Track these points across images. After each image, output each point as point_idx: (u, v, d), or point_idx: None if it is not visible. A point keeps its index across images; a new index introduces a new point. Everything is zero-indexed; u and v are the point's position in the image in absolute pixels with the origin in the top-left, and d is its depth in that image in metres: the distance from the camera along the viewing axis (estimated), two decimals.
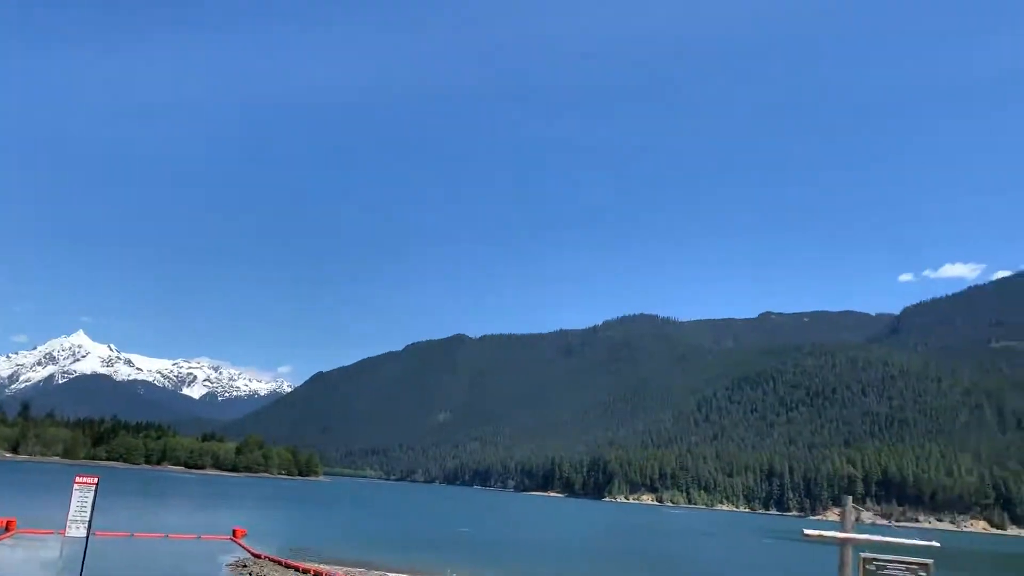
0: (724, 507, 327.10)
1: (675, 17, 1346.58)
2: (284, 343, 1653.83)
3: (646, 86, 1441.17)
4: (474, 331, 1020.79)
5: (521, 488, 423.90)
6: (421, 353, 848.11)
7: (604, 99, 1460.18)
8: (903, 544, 23.22)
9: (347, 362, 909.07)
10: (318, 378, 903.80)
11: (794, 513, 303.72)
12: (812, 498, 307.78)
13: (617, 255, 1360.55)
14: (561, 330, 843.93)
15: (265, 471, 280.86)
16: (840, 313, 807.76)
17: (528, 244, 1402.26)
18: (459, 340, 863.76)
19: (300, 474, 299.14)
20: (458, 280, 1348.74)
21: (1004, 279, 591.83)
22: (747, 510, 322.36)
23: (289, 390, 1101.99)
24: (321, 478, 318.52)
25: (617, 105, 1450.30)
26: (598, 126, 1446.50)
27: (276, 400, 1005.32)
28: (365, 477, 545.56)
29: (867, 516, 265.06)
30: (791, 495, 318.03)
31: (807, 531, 25.46)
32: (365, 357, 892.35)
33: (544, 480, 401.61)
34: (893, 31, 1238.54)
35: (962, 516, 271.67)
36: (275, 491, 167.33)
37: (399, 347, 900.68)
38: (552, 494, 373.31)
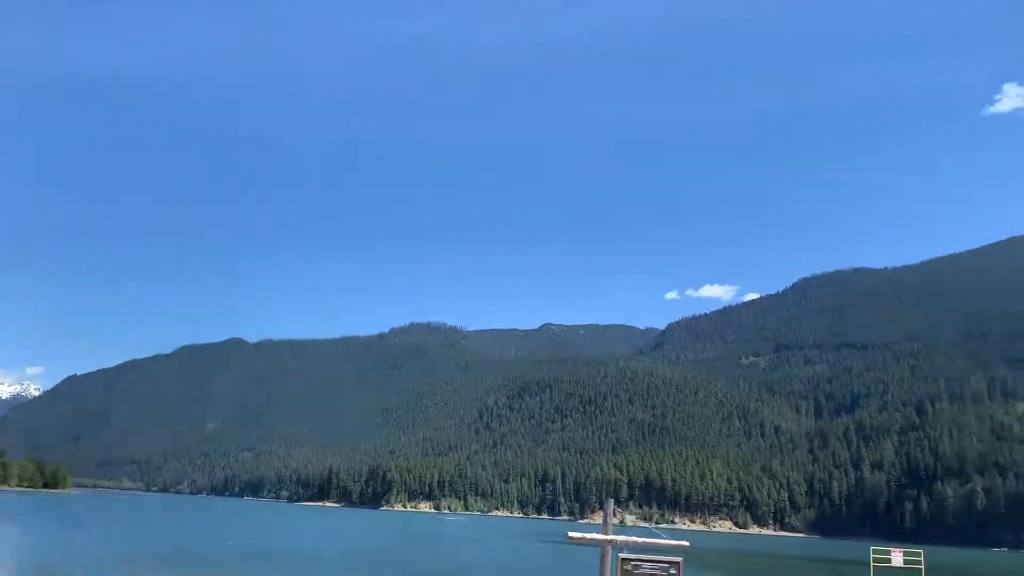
0: (499, 513, 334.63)
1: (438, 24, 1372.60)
2: (34, 341, 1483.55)
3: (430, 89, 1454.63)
4: (252, 335, 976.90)
5: (295, 499, 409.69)
6: (192, 357, 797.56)
7: (400, 101, 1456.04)
8: (658, 544, 23.76)
9: (108, 364, 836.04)
10: (71, 381, 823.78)
11: (565, 517, 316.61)
12: (581, 502, 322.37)
13: (409, 263, 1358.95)
14: (346, 336, 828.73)
15: (3, 484, 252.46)
16: (613, 326, 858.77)
17: (313, 247, 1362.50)
18: (235, 344, 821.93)
19: (46, 486, 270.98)
20: (236, 281, 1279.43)
21: (752, 301, 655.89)
22: (521, 515, 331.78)
23: (37, 393, 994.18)
24: (70, 491, 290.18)
25: (396, 109, 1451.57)
26: (381, 128, 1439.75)
27: (19, 405, 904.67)
28: (123, 490, 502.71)
29: (630, 519, 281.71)
30: (562, 500, 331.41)
31: (571, 534, 25.41)
32: (128, 359, 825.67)
33: (320, 490, 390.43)
34: (657, 72, 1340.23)
35: (712, 517, 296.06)
36: (15, 506, 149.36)
37: (169, 350, 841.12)
38: (328, 504, 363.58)
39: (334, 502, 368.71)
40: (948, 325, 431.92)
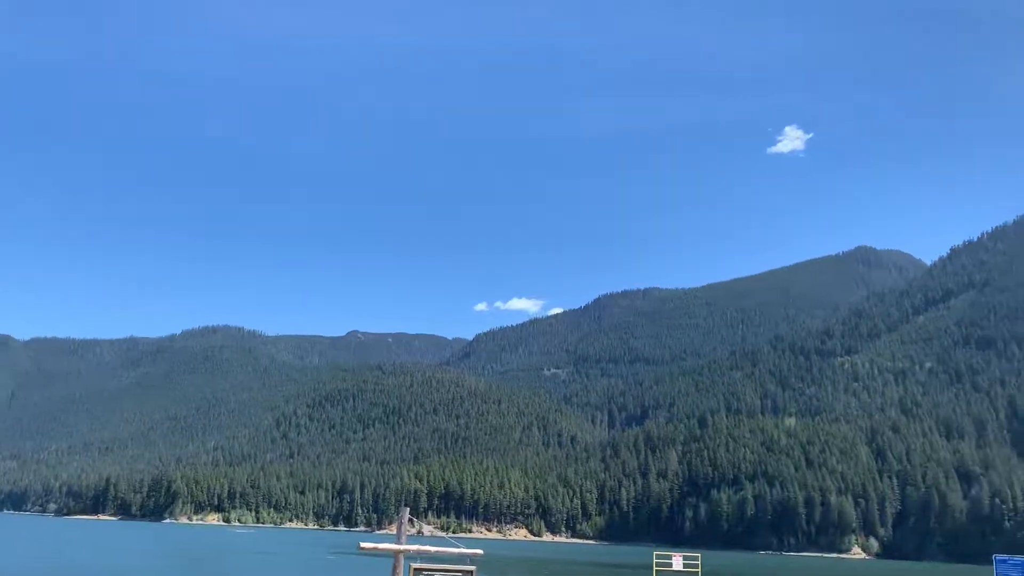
0: (293, 525, 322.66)
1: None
2: None
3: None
4: (22, 333, 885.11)
5: (65, 511, 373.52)
6: None
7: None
8: (451, 553, 23.13)
9: None
10: None
11: (362, 528, 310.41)
12: (380, 513, 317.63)
13: (206, 263, 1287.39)
14: (131, 337, 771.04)
15: None
16: (421, 336, 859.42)
17: (99, 238, 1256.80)
18: (2, 342, 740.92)
19: None
20: (4, 273, 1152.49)
21: (557, 315, 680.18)
22: (316, 527, 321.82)
23: None
24: None
25: (202, 106, 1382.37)
26: (182, 121, 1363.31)
27: None
28: None
29: (428, 528, 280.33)
30: (360, 511, 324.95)
31: (362, 544, 24.27)
32: None
33: (95, 502, 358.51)
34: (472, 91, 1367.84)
35: (508, 525, 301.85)
36: None
37: None
38: (103, 517, 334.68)
39: (110, 515, 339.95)
40: (727, 344, 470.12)
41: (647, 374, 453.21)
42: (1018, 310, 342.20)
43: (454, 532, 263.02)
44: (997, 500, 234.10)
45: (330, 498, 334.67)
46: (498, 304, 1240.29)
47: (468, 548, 23.32)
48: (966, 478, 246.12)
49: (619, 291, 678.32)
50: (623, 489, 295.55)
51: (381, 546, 23.43)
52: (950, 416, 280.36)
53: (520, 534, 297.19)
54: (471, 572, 21.49)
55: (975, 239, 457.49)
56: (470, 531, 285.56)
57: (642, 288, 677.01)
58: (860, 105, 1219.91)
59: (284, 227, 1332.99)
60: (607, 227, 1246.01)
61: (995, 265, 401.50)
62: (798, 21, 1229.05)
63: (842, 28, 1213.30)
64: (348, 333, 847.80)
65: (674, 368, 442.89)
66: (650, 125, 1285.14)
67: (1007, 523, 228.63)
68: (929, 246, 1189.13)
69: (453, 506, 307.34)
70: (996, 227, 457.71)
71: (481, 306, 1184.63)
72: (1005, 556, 36.56)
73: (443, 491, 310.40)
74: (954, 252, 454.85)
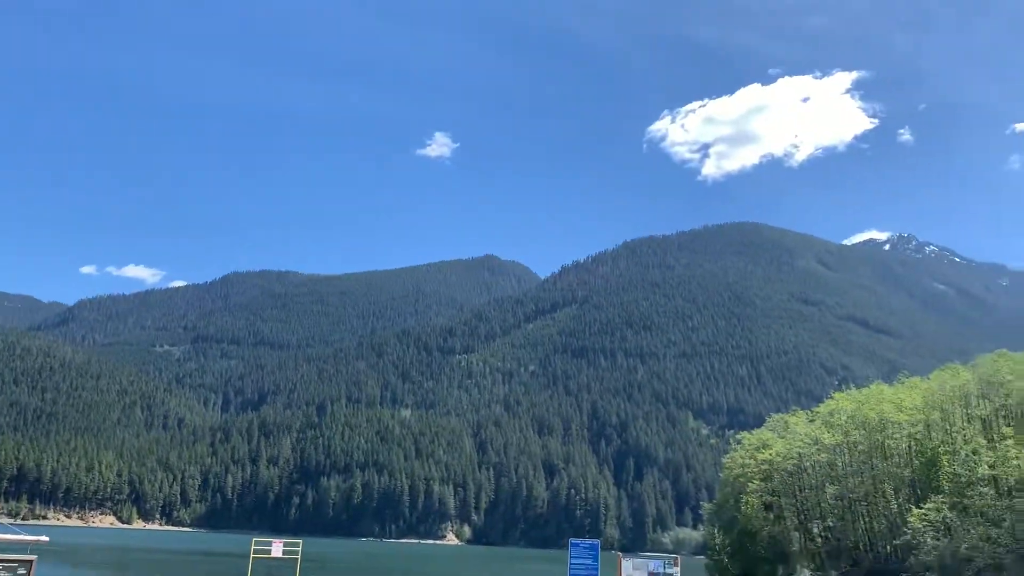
0: None
1: None
2: None
3: None
4: None
5: None
6: None
7: None
8: (7, 540, 19.20)
9: None
10: None
11: None
12: None
13: None
14: None
15: None
16: (12, 296, 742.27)
17: None
18: None
19: None
20: None
21: (178, 288, 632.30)
22: None
23: None
24: None
25: None
26: None
27: None
28: None
29: None
30: None
31: None
32: None
33: None
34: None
35: (94, 512, 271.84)
36: None
37: None
38: None
39: None
40: (356, 334, 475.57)
41: (270, 358, 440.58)
42: (609, 326, 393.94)
43: (24, 519, 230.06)
44: (573, 491, 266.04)
45: None
46: (110, 269, 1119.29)
47: (34, 535, 19.25)
48: (551, 471, 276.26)
49: (254, 270, 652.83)
50: (229, 475, 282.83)
51: None
52: (544, 415, 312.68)
53: (106, 521, 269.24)
54: (30, 562, 17.60)
55: (582, 260, 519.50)
56: (45, 517, 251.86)
57: (278, 270, 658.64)
58: (505, 125, 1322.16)
59: None
60: (247, 205, 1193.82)
61: (595, 285, 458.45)
62: (466, 35, 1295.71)
63: (503, 49, 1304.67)
64: None
65: (299, 354, 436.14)
66: (304, 110, 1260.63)
67: (578, 511, 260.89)
68: (545, 262, 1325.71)
69: (27, 490, 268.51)
70: (601, 252, 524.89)
71: (88, 269, 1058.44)
72: (578, 540, 39.86)
73: (15, 472, 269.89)
74: (564, 270, 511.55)
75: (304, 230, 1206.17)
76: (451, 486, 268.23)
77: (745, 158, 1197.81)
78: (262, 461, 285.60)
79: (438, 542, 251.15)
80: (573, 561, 37.21)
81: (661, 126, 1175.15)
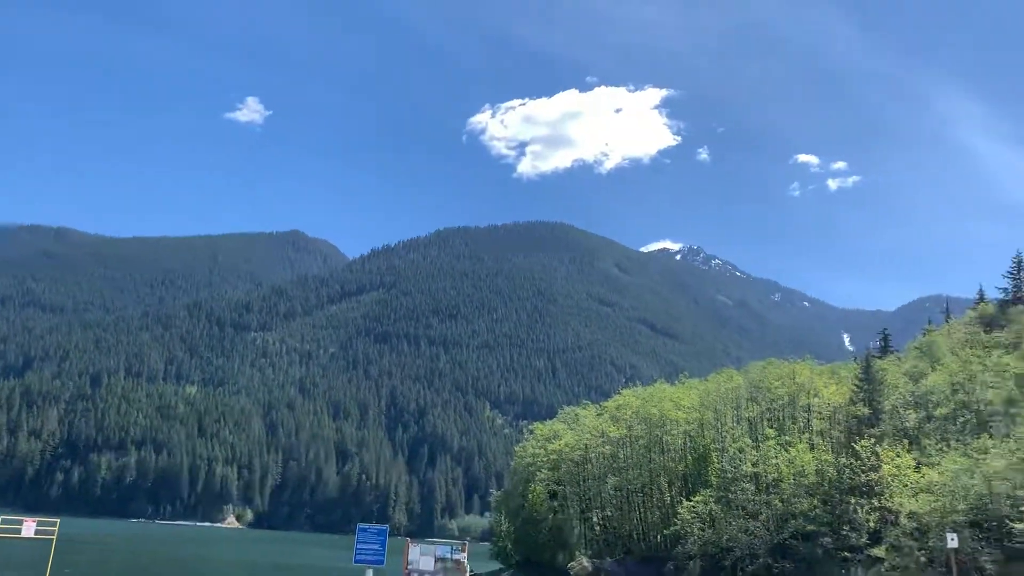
0: None
1: None
2: None
3: None
4: None
5: None
6: None
7: None
8: None
9: None
10: None
11: None
12: None
13: None
14: None
15: None
16: None
17: None
18: None
19: None
20: None
21: None
22: None
23: None
24: None
25: None
26: None
27: None
28: None
29: None
30: None
31: None
32: None
33: None
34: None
35: None
36: None
37: None
38: None
39: None
40: (142, 302, 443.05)
41: (40, 321, 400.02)
42: (414, 312, 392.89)
43: None
44: (364, 476, 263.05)
45: None
46: None
47: None
48: (343, 456, 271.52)
49: (25, 224, 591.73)
50: None
51: None
52: (341, 399, 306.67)
53: None
54: None
55: (393, 245, 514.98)
56: None
57: (55, 226, 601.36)
58: (324, 100, 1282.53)
59: None
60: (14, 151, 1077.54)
61: (404, 271, 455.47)
62: (293, 2, 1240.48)
63: (331, 24, 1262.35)
64: None
65: (74, 319, 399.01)
66: (102, 57, 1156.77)
67: (368, 497, 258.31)
68: (354, 243, 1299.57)
69: None
70: (412, 238, 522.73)
71: None
72: (367, 525, 38.91)
73: None
74: (373, 253, 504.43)
75: (90, 186, 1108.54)
76: (235, 468, 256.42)
77: (559, 160, 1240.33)
78: (22, 432, 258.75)
79: (216, 524, 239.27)
80: (360, 546, 36.16)
81: (482, 119, 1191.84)
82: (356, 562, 35.67)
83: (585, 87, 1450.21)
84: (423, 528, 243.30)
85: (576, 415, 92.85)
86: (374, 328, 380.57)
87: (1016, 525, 44.15)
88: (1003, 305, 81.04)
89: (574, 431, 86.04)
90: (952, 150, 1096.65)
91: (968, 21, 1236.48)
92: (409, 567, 32.90)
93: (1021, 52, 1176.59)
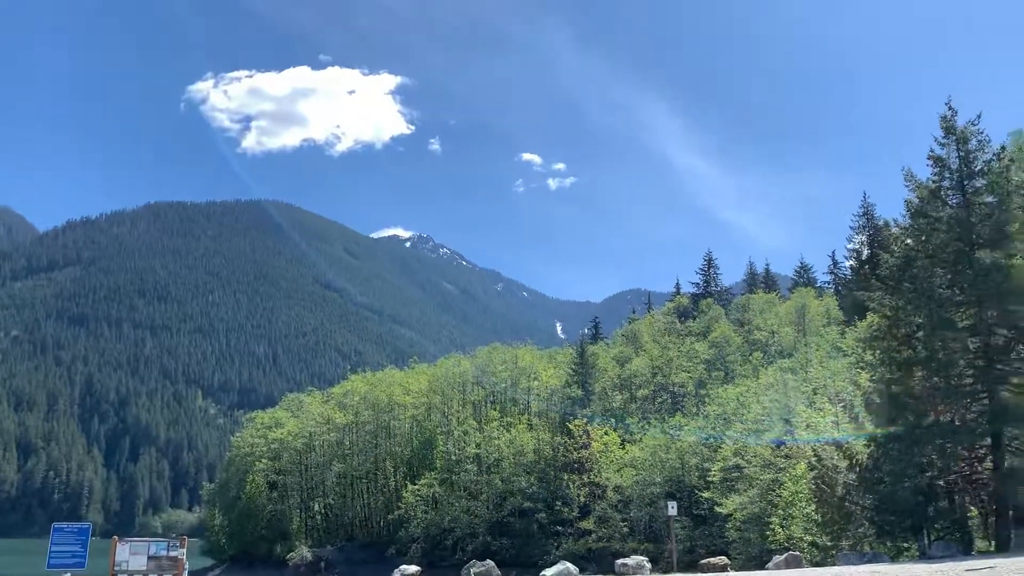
0: None
1: None
2: None
3: None
4: None
5: None
6: None
7: None
8: None
9: None
10: None
11: None
12: None
13: None
14: None
15: None
16: None
17: None
18: None
19: None
20: None
21: None
22: None
23: None
24: None
25: None
26: None
27: None
28: None
29: None
30: None
31: None
32: None
33: None
34: None
35: None
36: None
37: None
38: None
39: None
40: None
41: None
42: (117, 292, 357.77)
43: None
44: (52, 473, 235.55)
45: None
46: None
47: None
48: (26, 451, 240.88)
49: None
50: None
51: None
52: (24, 387, 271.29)
53: None
54: None
55: (94, 217, 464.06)
56: None
57: None
58: (20, 53, 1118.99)
59: None
60: None
61: (106, 246, 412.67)
62: None
63: None
64: None
65: None
66: None
67: (56, 495, 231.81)
68: (47, 213, 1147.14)
69: None
70: (118, 211, 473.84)
71: None
72: (64, 524, 34.44)
73: None
74: (70, 225, 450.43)
75: None
76: None
77: (288, 138, 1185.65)
78: None
79: None
80: (54, 548, 31.74)
81: (203, 88, 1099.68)
82: (50, 567, 31.28)
83: (318, 65, 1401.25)
84: (123, 526, 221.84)
85: (301, 402, 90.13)
86: (68, 309, 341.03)
87: (703, 494, 49.68)
88: (695, 298, 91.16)
89: (298, 419, 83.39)
90: (654, 158, 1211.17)
91: (674, 42, 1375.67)
92: (116, 568, 29.29)
93: (714, 78, 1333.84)
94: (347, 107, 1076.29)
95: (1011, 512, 24.39)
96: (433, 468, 66.61)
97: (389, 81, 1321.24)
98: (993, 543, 24.70)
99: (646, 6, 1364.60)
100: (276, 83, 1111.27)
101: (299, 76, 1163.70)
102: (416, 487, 65.12)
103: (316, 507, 79.31)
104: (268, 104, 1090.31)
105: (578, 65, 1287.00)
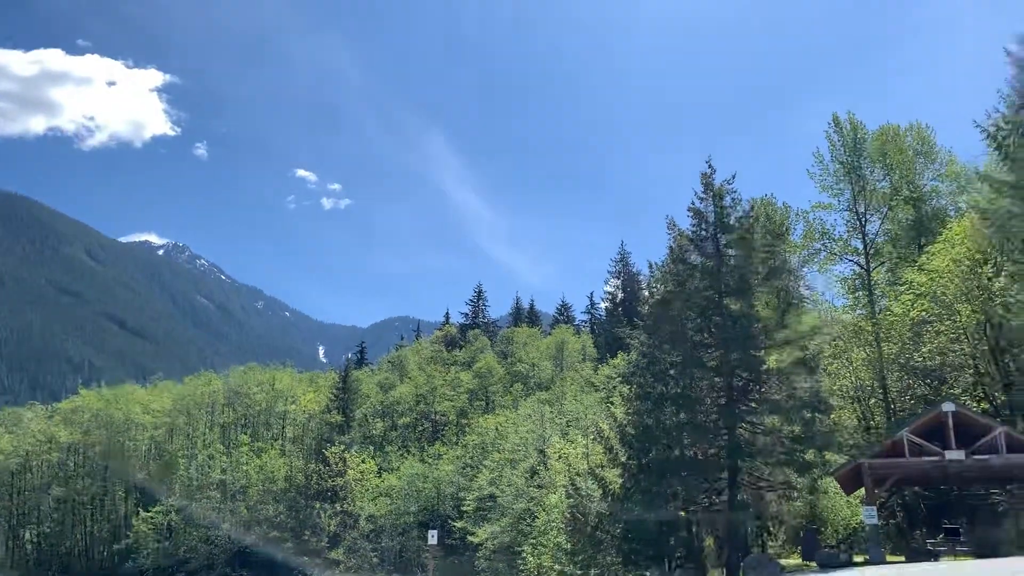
0: None
1: None
2: None
3: None
4: None
5: None
6: None
7: None
8: None
9: None
10: None
11: None
12: None
13: None
14: None
15: None
16: None
17: None
18: None
19: None
20: None
21: None
22: None
23: None
24: None
25: None
26: None
27: None
28: None
29: None
30: None
31: None
32: None
33: None
34: None
35: None
36: None
37: None
38: None
39: None
40: None
41: None
42: None
43: None
44: None
45: None
46: None
47: None
48: None
49: None
50: None
51: None
52: None
53: None
54: None
55: None
56: None
57: None
58: None
59: None
60: None
61: None
62: None
63: None
64: None
65: None
66: None
67: None
68: None
69: None
70: None
71: None
72: None
73: None
74: None
75: None
76: None
77: (31, 125, 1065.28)
78: None
79: None
80: None
81: None
82: None
83: (75, 50, 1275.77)
84: None
85: (19, 417, 79.65)
86: None
87: (457, 523, 49.64)
88: (464, 328, 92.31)
89: (13, 435, 73.53)
90: (432, 190, 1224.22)
91: (463, 84, 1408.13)
92: None
93: (494, 124, 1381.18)
94: (104, 99, 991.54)
95: (741, 542, 26.40)
96: (171, 494, 61.36)
97: (156, 77, 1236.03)
98: (724, 571, 26.57)
99: (434, 44, 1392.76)
100: (22, 63, 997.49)
101: (51, 58, 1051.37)
102: (150, 514, 59.59)
103: (27, 535, 70.11)
104: (10, 85, 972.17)
105: (363, 89, 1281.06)
